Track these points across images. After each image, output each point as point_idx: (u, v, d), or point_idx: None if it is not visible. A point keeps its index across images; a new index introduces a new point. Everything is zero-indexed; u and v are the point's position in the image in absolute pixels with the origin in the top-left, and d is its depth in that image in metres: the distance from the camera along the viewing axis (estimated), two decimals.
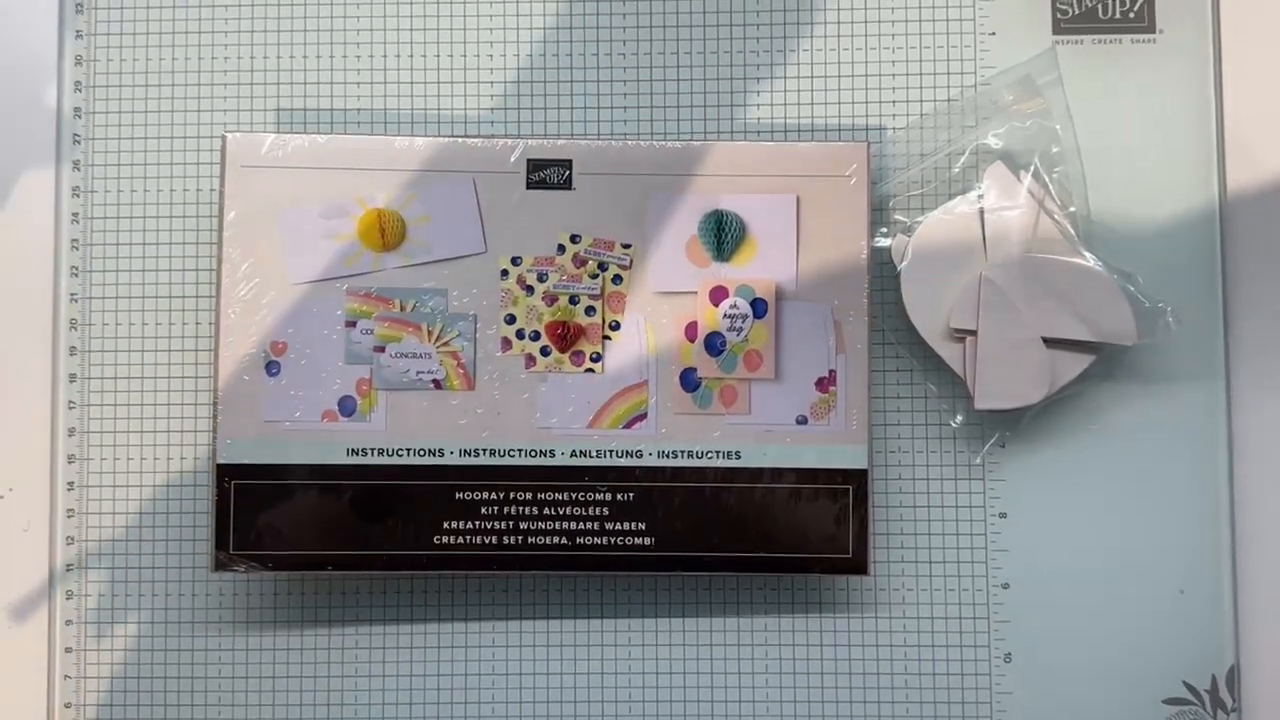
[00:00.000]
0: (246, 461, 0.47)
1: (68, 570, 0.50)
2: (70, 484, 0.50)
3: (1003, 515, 0.50)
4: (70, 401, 0.50)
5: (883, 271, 0.49)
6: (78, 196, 0.51)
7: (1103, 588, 0.49)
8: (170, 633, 0.50)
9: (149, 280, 0.51)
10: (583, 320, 0.48)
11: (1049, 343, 0.48)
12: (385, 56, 0.51)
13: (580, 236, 0.48)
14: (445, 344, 0.48)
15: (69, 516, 0.50)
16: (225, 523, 0.47)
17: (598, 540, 0.47)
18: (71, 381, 0.51)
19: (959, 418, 0.50)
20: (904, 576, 0.50)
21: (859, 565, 0.47)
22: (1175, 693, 0.49)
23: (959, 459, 0.50)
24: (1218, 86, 0.50)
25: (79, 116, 0.51)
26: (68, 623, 0.50)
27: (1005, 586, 0.49)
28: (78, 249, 0.51)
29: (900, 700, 0.49)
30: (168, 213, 0.51)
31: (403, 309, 0.48)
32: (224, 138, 0.48)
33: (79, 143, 0.51)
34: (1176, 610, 0.49)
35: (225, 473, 0.47)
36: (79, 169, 0.51)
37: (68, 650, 0.50)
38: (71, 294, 0.51)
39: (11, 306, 0.51)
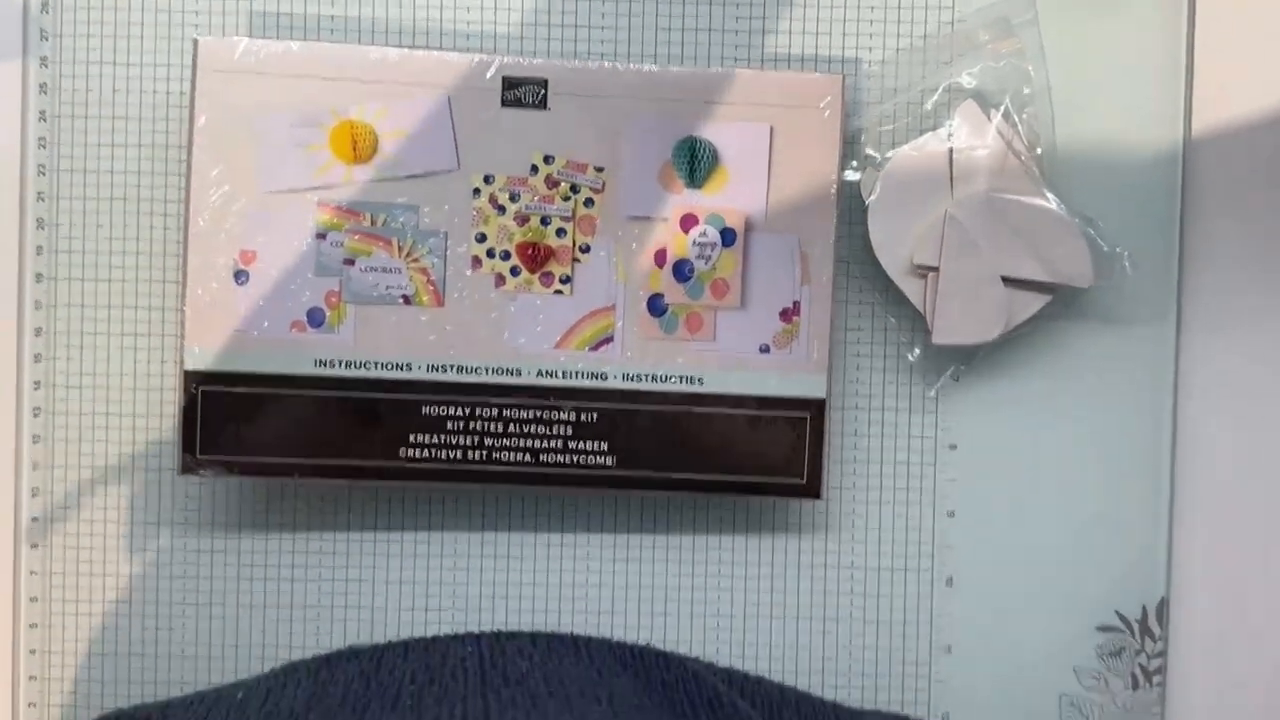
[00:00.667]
0: (214, 369, 0.48)
1: (34, 469, 0.51)
2: (36, 382, 0.51)
3: (953, 447, 0.51)
4: (36, 301, 0.50)
5: (851, 205, 0.50)
6: (45, 94, 0.50)
7: (1043, 518, 0.51)
8: (136, 533, 0.51)
9: (117, 182, 0.50)
10: (553, 242, 0.49)
11: (1007, 281, 0.49)
12: None
13: (554, 158, 0.48)
14: (415, 260, 0.48)
15: (35, 416, 0.51)
16: (191, 428, 0.48)
17: (561, 459, 0.49)
18: (38, 282, 0.50)
19: (916, 351, 0.51)
20: (855, 503, 0.51)
21: (813, 490, 0.49)
22: (1108, 620, 0.51)
23: (914, 391, 0.51)
24: (1189, 34, 0.51)
25: (46, 11, 0.50)
26: (34, 519, 0.51)
27: (951, 514, 0.51)
28: (45, 147, 0.50)
29: (845, 618, 0.51)
30: (137, 114, 0.50)
31: (373, 223, 0.48)
32: (196, 41, 0.47)
33: (46, 39, 0.50)
34: (1113, 542, 0.51)
35: (192, 379, 0.47)
36: (46, 65, 0.50)
37: (34, 546, 0.51)
38: (39, 193, 0.50)
39: None
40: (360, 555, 0.51)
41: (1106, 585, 0.51)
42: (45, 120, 0.50)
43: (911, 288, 0.50)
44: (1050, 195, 0.49)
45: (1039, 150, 0.49)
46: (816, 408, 0.49)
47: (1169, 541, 0.51)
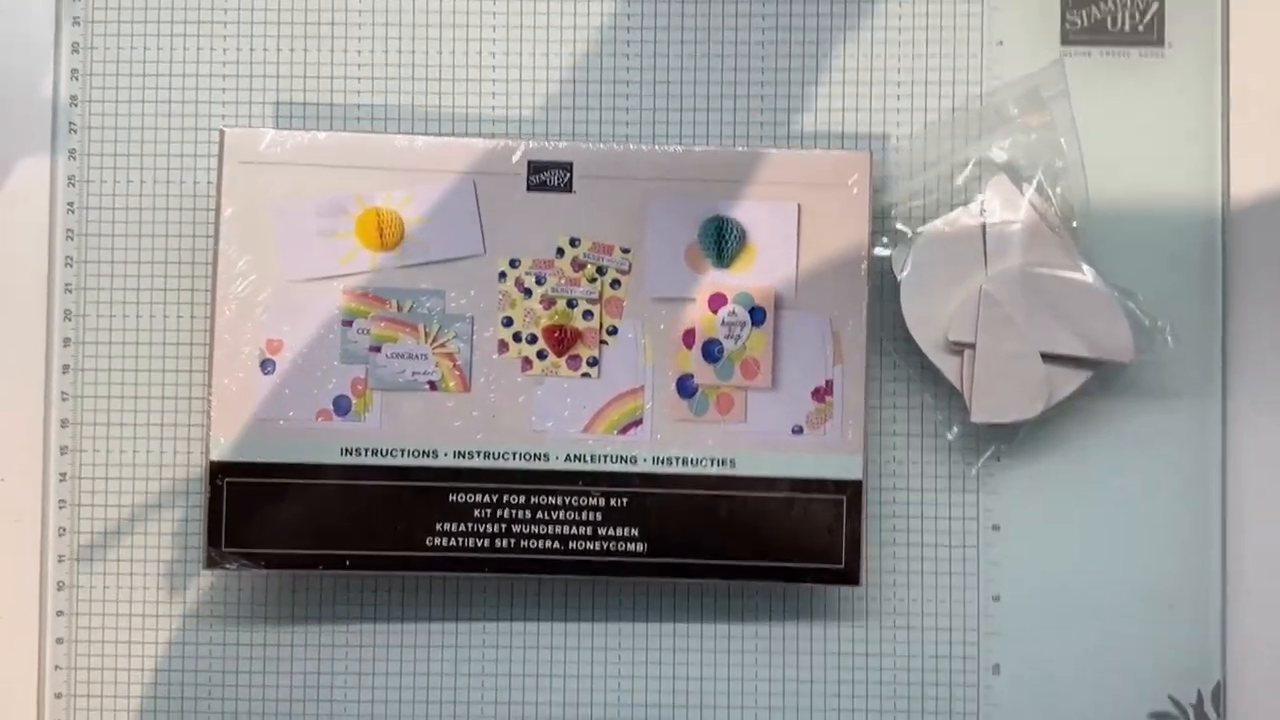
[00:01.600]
0: (240, 459, 0.47)
1: (59, 561, 0.50)
2: (63, 475, 0.50)
3: (995, 528, 0.50)
4: (64, 393, 0.50)
5: (882, 280, 0.49)
6: (73, 186, 0.51)
7: (1092, 601, 0.49)
8: (161, 625, 0.50)
9: (144, 273, 0.50)
10: (580, 324, 0.48)
11: (1047, 357, 0.48)
12: (387, 52, 0.51)
13: (580, 240, 0.48)
14: (441, 345, 0.48)
15: (61, 508, 0.50)
16: (217, 520, 0.47)
17: (590, 545, 0.47)
18: (65, 373, 0.50)
19: (955, 429, 0.50)
20: (895, 587, 0.50)
21: (851, 576, 0.47)
22: (1161, 707, 0.49)
23: (954, 470, 0.50)
24: (1224, 103, 0.50)
25: (75, 105, 0.51)
26: (59, 613, 0.50)
27: (996, 598, 0.50)
28: (73, 239, 0.51)
29: (889, 710, 0.49)
30: (164, 205, 0.50)
31: (400, 309, 0.48)
32: (222, 132, 0.47)
33: (75, 131, 0.51)
34: (1165, 625, 0.49)
35: (218, 470, 0.47)
36: (75, 158, 0.51)
37: (59, 641, 0.50)
38: (66, 284, 0.50)
39: (5, 296, 0.50)
40: (387, 646, 0.50)
41: (1159, 669, 0.49)
42: (73, 212, 0.51)
43: (948, 364, 0.48)
44: (1087, 268, 0.48)
45: (1074, 223, 0.48)
46: (853, 489, 0.47)
47: (1223, 622, 0.49)
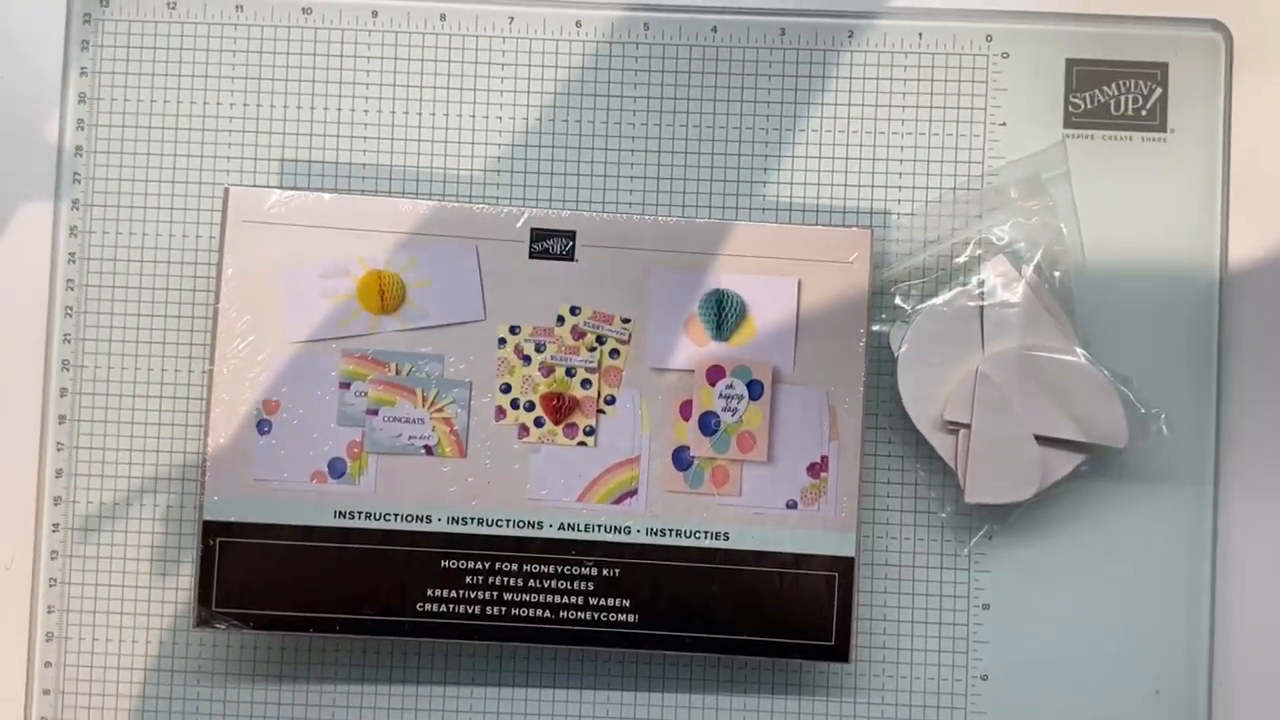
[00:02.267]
0: (233, 519, 0.47)
1: (49, 612, 0.50)
2: (55, 526, 0.50)
3: (986, 606, 0.50)
4: (58, 442, 0.50)
5: (880, 357, 0.49)
6: (75, 236, 0.51)
7: (1080, 684, 0.49)
8: (150, 680, 0.50)
9: (144, 326, 0.50)
10: (578, 393, 0.48)
11: (1041, 440, 0.48)
12: (394, 113, 0.51)
13: (580, 309, 0.48)
14: (439, 410, 0.48)
15: (52, 559, 0.50)
16: (209, 579, 0.47)
17: (582, 615, 0.47)
18: (61, 423, 0.50)
19: (948, 508, 0.50)
20: (885, 663, 0.50)
21: (841, 653, 0.47)
22: None
23: (946, 549, 0.50)
24: (1224, 191, 0.50)
25: (80, 155, 0.51)
26: (47, 664, 0.50)
27: (984, 678, 0.50)
28: (73, 289, 0.50)
29: None
30: (165, 259, 0.50)
31: (398, 373, 0.48)
32: (226, 191, 0.47)
33: (79, 181, 0.51)
34: (1152, 711, 0.49)
35: (211, 530, 0.47)
36: (78, 208, 0.51)
37: (45, 692, 0.50)
38: (65, 335, 0.50)
39: (4, 344, 0.50)
40: (374, 709, 0.50)
41: None
42: (74, 262, 0.51)
43: (943, 443, 0.49)
44: (1083, 353, 0.48)
45: (1072, 306, 0.49)
46: (845, 566, 0.48)
47: (1209, 710, 0.49)
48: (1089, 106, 0.50)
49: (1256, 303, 0.50)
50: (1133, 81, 0.50)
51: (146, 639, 0.50)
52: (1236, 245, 0.50)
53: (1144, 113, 0.50)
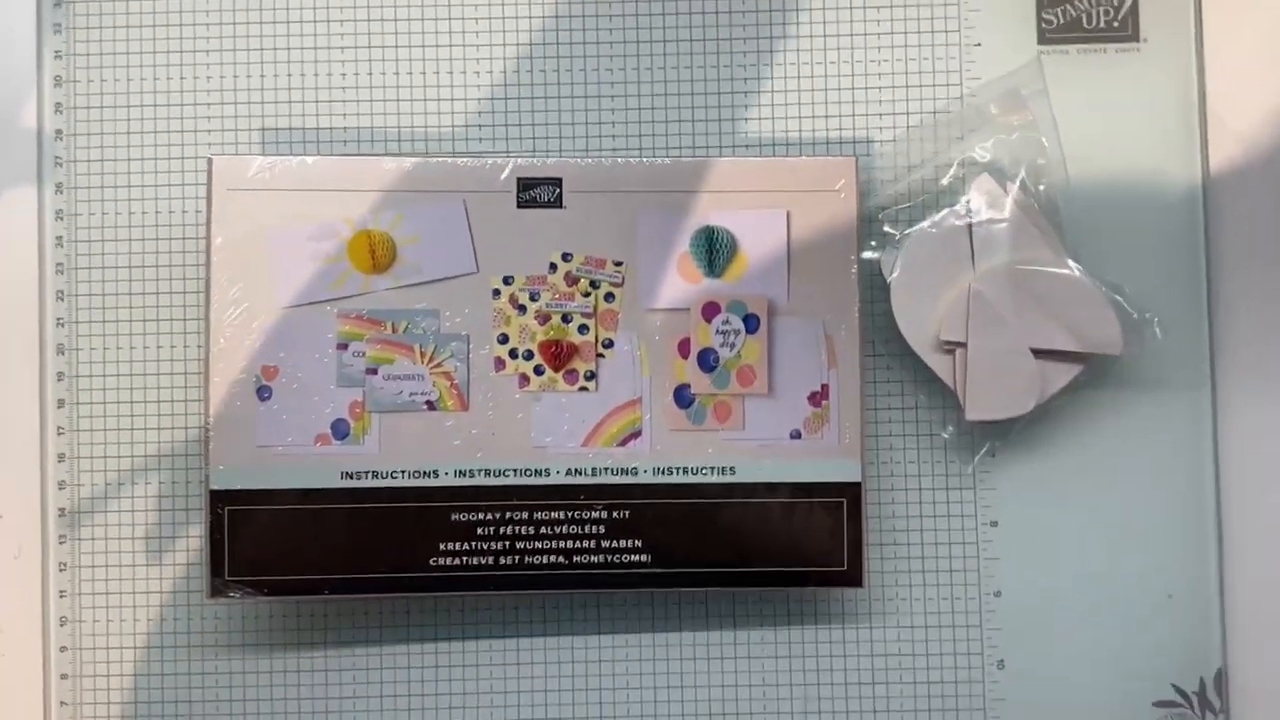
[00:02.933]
0: (240, 487, 0.47)
1: (61, 596, 0.50)
2: (61, 510, 0.50)
3: (994, 524, 0.50)
4: (59, 427, 0.50)
5: (873, 284, 0.50)
6: (61, 220, 0.50)
7: (1092, 593, 0.50)
8: (167, 658, 0.50)
9: (136, 304, 0.50)
10: (576, 339, 0.48)
11: (1037, 353, 0.48)
12: (371, 74, 0.51)
13: (572, 255, 0.48)
14: (438, 365, 0.48)
15: (61, 542, 0.50)
16: (220, 549, 0.47)
17: (594, 558, 0.48)
18: (60, 407, 0.50)
19: (950, 428, 0.50)
20: (898, 586, 0.50)
21: (854, 578, 0.48)
22: (1164, 695, 0.50)
23: (950, 469, 0.50)
24: (1200, 94, 0.51)
25: (60, 139, 0.51)
26: (62, 649, 0.50)
27: (997, 594, 0.50)
28: (62, 273, 0.50)
29: (895, 710, 0.50)
30: (153, 235, 0.50)
31: (394, 330, 0.48)
32: (210, 160, 0.47)
33: (61, 165, 0.51)
34: (1165, 614, 0.50)
35: (219, 499, 0.47)
36: (61, 192, 0.51)
37: (63, 677, 0.50)
38: (58, 319, 0.50)
39: None
40: (394, 668, 0.50)
41: (1162, 659, 0.50)
42: (62, 245, 0.50)
43: (940, 364, 0.49)
44: (1073, 264, 0.48)
45: (1059, 219, 0.49)
46: (852, 492, 0.48)
47: (1222, 609, 0.50)
48: (1061, 21, 0.51)
49: (1239, 202, 0.50)
50: None
51: (161, 615, 0.50)
52: (1216, 147, 0.50)
53: (1115, 24, 0.51)
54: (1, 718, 0.49)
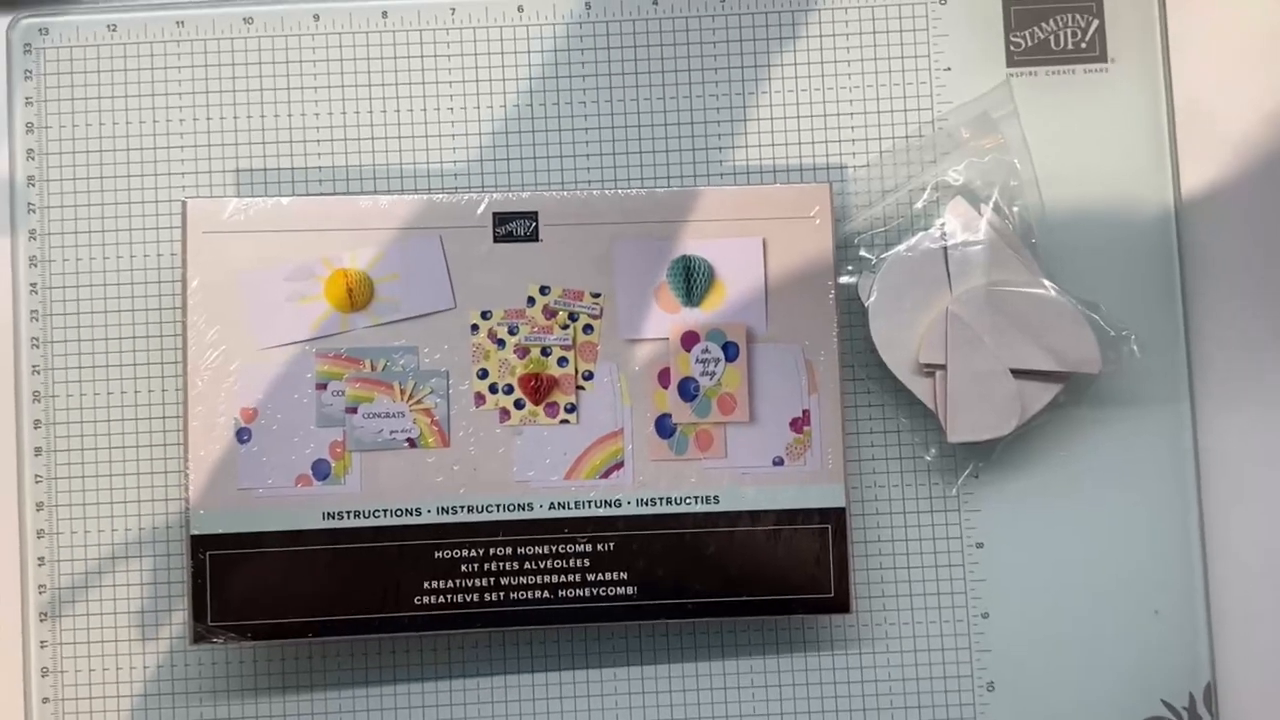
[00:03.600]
0: (221, 531, 0.47)
1: (42, 647, 0.49)
2: (40, 559, 0.49)
3: (979, 545, 0.50)
4: (37, 475, 0.50)
5: (850, 309, 0.50)
6: (35, 266, 0.50)
7: (1080, 612, 0.50)
8: (150, 705, 0.49)
9: (112, 349, 0.50)
10: (555, 371, 0.48)
11: (1017, 374, 0.48)
12: (345, 114, 0.51)
13: (549, 288, 0.48)
14: (418, 402, 0.48)
15: (40, 592, 0.49)
16: (202, 594, 0.46)
17: (580, 592, 0.47)
18: (37, 455, 0.50)
19: (932, 451, 0.50)
20: (885, 611, 0.50)
21: (841, 604, 0.47)
22: (1155, 712, 0.50)
23: (934, 491, 0.50)
24: (1169, 113, 0.51)
25: (33, 185, 0.50)
26: (44, 700, 0.49)
27: (985, 615, 0.50)
28: (37, 320, 0.50)
29: None
30: (129, 279, 0.50)
31: (373, 368, 0.48)
32: (184, 204, 0.47)
33: (34, 211, 0.50)
34: (1153, 631, 0.50)
35: (200, 544, 0.46)
36: (35, 238, 0.50)
37: None
38: (33, 365, 0.50)
39: None
40: (381, 710, 0.49)
41: (1150, 675, 0.50)
42: (36, 292, 0.50)
43: (920, 387, 0.49)
44: (1049, 284, 0.48)
45: (1033, 239, 0.49)
46: (837, 517, 0.48)
47: (1209, 623, 0.50)
48: (1029, 44, 0.51)
49: (1211, 218, 0.51)
50: (1070, 15, 0.51)
51: (144, 663, 0.49)
52: (1187, 165, 0.51)
53: (1083, 45, 0.51)
54: None
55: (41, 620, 0.49)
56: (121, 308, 0.50)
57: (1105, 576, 0.50)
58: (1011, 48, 0.51)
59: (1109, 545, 0.50)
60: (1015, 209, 0.49)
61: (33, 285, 0.50)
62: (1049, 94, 0.51)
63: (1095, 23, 0.51)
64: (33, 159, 0.50)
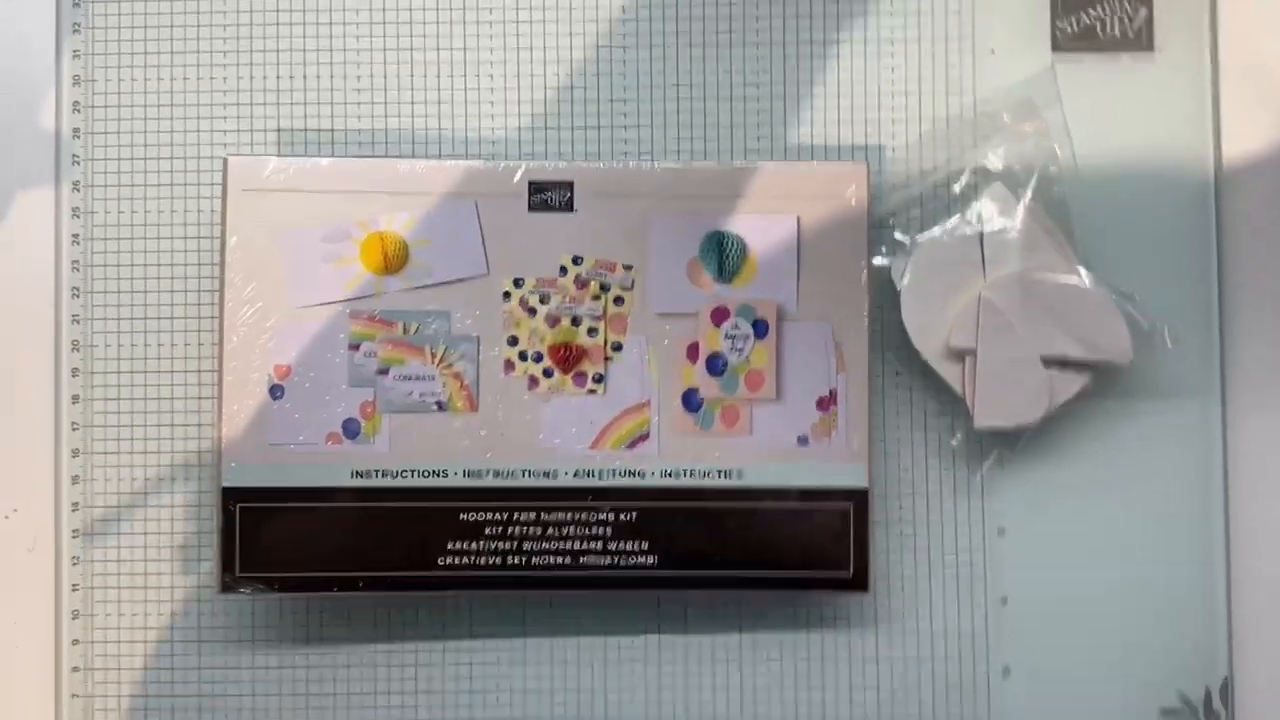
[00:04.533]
0: (251, 484, 0.47)
1: (74, 590, 0.50)
2: (75, 505, 0.51)
3: (1001, 531, 0.50)
4: (74, 423, 0.51)
5: (882, 290, 0.50)
6: (78, 218, 0.51)
7: (1099, 601, 0.50)
8: (177, 652, 0.50)
9: (150, 302, 0.51)
10: (585, 341, 0.48)
11: (1047, 361, 0.48)
12: (386, 77, 0.51)
13: (582, 258, 0.48)
14: (448, 366, 0.48)
15: (74, 537, 0.51)
16: (231, 545, 0.47)
17: (601, 560, 0.48)
18: (74, 403, 0.51)
19: (958, 436, 0.50)
20: (904, 592, 0.50)
21: (860, 583, 0.48)
22: (1170, 704, 0.50)
23: (958, 476, 0.50)
24: (1215, 105, 0.50)
25: (78, 137, 0.51)
26: (74, 642, 0.50)
27: (1003, 601, 0.50)
28: (79, 270, 0.51)
29: (900, 715, 0.50)
30: (169, 234, 0.51)
31: (406, 331, 0.48)
32: (225, 161, 0.48)
33: (78, 164, 0.51)
34: (1171, 622, 0.50)
35: (230, 496, 0.47)
36: (79, 190, 0.51)
37: (75, 670, 0.50)
38: (73, 315, 0.51)
39: (13, 328, 0.51)
40: (401, 665, 0.50)
41: (1167, 667, 0.50)
42: (79, 243, 0.51)
43: (949, 371, 0.49)
44: (1084, 272, 0.48)
45: (1070, 228, 0.49)
46: (859, 498, 0.48)
47: (1228, 618, 0.50)
48: (1076, 30, 0.51)
49: (1252, 215, 0.50)
50: (1118, 2, 0.51)
51: (172, 610, 0.50)
52: (1229, 160, 0.50)
53: (1130, 33, 0.51)
54: (14, 710, 0.50)
55: (74, 564, 0.50)
56: (161, 261, 0.51)
57: (1126, 568, 0.50)
58: (1057, 33, 0.51)
59: (1131, 537, 0.50)
60: (1054, 196, 0.49)
61: (75, 236, 0.51)
62: (1093, 80, 0.51)
63: (1144, 10, 0.51)
64: (79, 112, 0.51)
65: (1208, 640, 0.50)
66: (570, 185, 0.48)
